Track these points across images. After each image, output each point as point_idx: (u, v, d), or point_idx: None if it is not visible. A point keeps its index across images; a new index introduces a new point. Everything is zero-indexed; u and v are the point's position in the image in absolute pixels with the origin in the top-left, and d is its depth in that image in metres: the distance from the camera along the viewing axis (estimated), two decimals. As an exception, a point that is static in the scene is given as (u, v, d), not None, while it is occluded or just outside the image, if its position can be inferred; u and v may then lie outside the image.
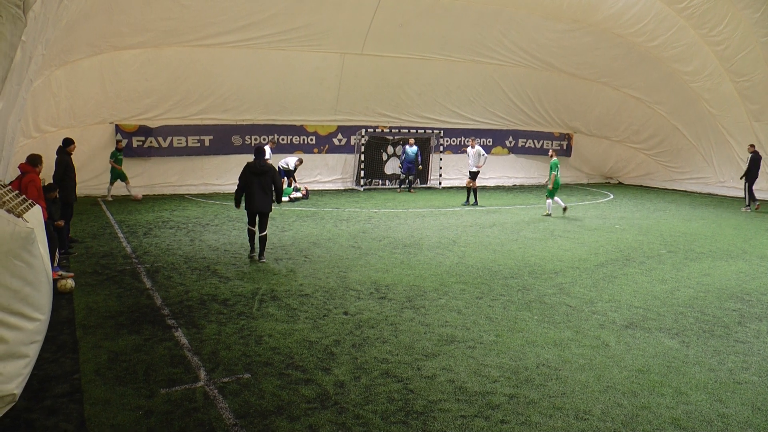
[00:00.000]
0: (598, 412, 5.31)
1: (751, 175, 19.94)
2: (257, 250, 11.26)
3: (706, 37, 21.29)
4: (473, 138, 21.64)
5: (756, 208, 19.80)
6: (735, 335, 7.40)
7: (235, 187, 11.39)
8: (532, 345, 6.91)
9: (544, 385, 5.83)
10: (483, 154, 19.94)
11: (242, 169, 11.19)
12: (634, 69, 24.50)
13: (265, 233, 11.19)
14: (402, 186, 24.14)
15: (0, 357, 5.00)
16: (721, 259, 12.03)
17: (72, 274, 9.41)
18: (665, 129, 26.43)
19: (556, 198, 17.61)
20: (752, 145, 20.49)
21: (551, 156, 17.78)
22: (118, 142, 19.82)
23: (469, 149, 20.34)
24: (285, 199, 19.89)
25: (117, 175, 19.31)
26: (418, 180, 25.08)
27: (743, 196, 20.42)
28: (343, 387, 5.74)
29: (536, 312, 8.20)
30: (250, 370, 6.10)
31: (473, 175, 20.06)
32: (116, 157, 19.23)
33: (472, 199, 20.09)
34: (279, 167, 20.66)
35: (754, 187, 20.14)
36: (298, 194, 20.52)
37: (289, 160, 20.99)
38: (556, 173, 17.11)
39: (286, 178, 20.74)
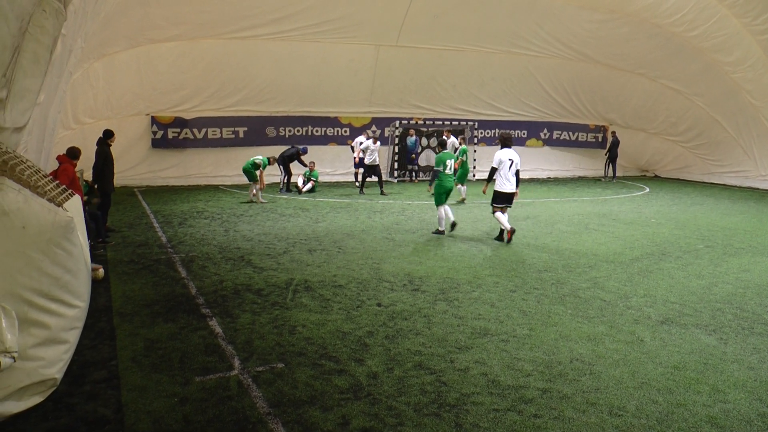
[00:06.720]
0: (632, 408, 5.24)
1: (612, 154, 26.11)
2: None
3: (749, 26, 20.69)
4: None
5: (614, 182, 25.56)
6: (776, 333, 7.22)
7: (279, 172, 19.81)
8: (566, 339, 6.85)
9: (577, 380, 5.77)
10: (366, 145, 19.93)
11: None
12: (673, 60, 23.93)
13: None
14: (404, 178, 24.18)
15: (42, 342, 5.13)
16: (762, 254, 11.73)
17: (100, 266, 9.17)
18: (704, 121, 25.80)
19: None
20: (614, 132, 26.45)
21: (460, 143, 19.84)
22: (270, 158, 18.54)
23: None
24: (308, 186, 20.14)
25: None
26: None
27: (605, 171, 26.73)
28: (376, 378, 5.76)
29: (570, 306, 8.12)
30: (284, 359, 6.16)
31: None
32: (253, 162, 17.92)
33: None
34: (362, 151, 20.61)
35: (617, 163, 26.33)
36: (309, 185, 20.29)
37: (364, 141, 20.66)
38: (464, 159, 18.18)
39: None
